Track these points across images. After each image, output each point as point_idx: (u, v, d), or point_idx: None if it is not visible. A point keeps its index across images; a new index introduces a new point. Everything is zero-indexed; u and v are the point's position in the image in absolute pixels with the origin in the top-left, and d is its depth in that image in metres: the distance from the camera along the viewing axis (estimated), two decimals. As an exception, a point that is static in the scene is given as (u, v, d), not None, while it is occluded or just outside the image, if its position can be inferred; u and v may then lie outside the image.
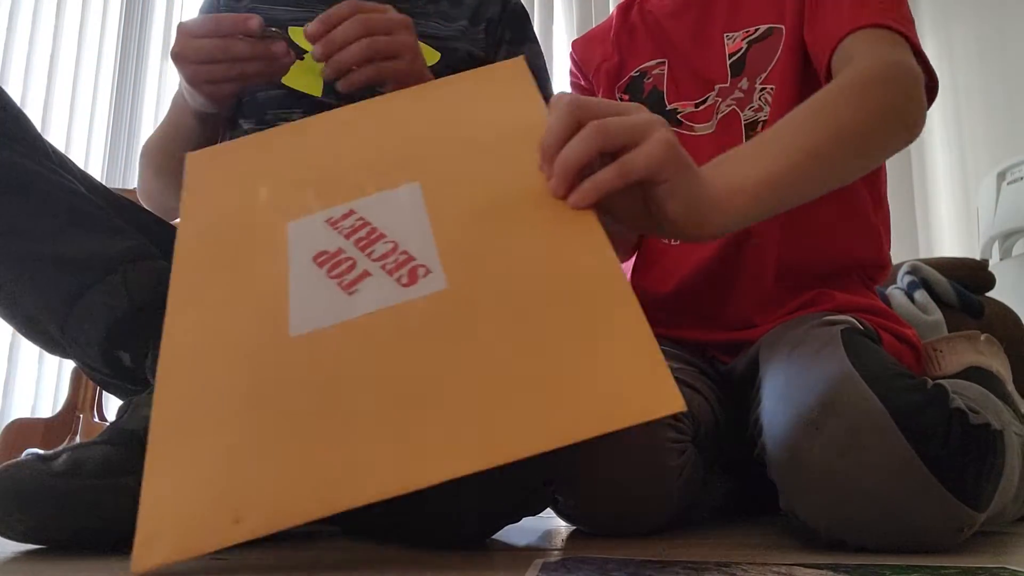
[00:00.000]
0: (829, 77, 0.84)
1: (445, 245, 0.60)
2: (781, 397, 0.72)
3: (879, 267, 0.98)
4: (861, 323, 0.83)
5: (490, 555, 0.64)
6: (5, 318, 0.77)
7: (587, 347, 0.52)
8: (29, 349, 2.67)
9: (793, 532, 0.79)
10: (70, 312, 0.72)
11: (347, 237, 0.62)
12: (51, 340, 0.76)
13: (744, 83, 0.96)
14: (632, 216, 0.61)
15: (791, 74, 0.93)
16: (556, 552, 0.68)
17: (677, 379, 0.76)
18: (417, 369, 0.54)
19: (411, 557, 0.62)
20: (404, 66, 0.85)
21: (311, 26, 0.84)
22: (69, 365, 2.34)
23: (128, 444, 0.63)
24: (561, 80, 3.25)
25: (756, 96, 0.95)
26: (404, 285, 0.58)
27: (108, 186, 0.85)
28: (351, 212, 0.65)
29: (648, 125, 0.57)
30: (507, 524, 0.69)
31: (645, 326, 0.53)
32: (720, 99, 0.97)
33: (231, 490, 0.50)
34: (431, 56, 0.97)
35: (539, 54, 1.07)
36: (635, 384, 0.51)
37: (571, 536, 0.80)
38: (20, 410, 2.58)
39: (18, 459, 0.62)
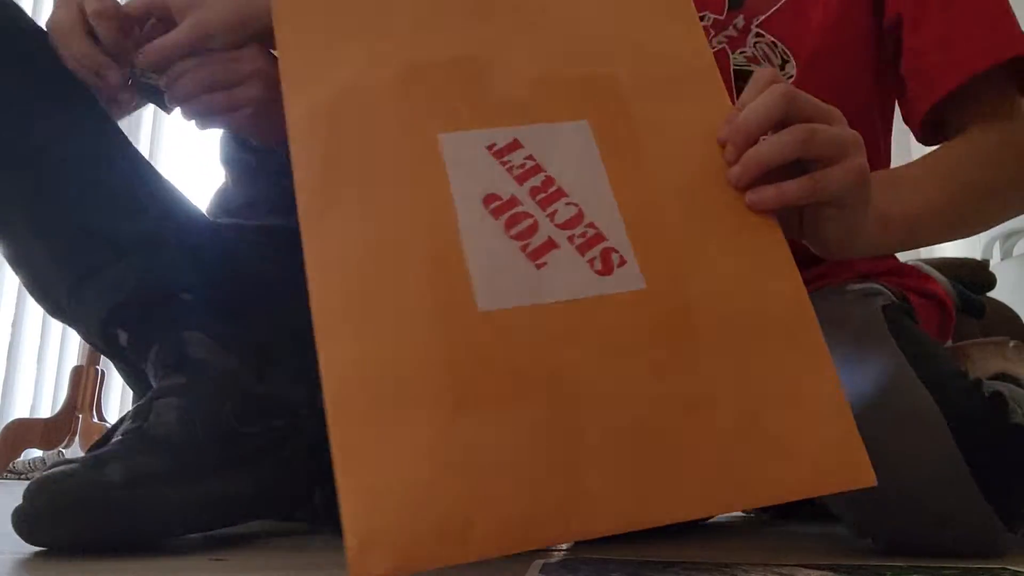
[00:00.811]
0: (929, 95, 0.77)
1: (632, 224, 0.51)
2: None
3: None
4: (890, 290, 0.78)
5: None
6: (20, 276, 0.76)
7: (784, 396, 0.48)
8: (29, 349, 2.67)
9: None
10: (80, 285, 0.72)
11: (519, 182, 0.51)
12: (58, 307, 0.75)
13: (740, 21, 0.83)
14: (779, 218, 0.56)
15: (810, 37, 0.81)
16: (556, 552, 0.68)
17: None
18: (631, 389, 0.47)
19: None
20: (255, 93, 0.74)
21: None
22: (68, 365, 2.34)
23: (162, 451, 0.63)
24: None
25: (750, 41, 0.83)
26: (599, 273, 0.49)
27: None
28: (516, 143, 0.52)
29: (850, 145, 0.54)
30: None
31: (836, 381, 0.49)
32: (712, 31, 0.84)
33: (450, 496, 0.43)
34: None
35: None
36: (828, 451, 0.47)
37: (571, 536, 0.80)
38: (19, 410, 2.58)
39: (58, 468, 0.61)
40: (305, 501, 0.77)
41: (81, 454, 2.27)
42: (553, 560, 0.58)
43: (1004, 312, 1.73)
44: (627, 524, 0.44)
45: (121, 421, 0.70)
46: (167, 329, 0.72)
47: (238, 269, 0.81)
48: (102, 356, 2.15)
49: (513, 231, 0.50)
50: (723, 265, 0.51)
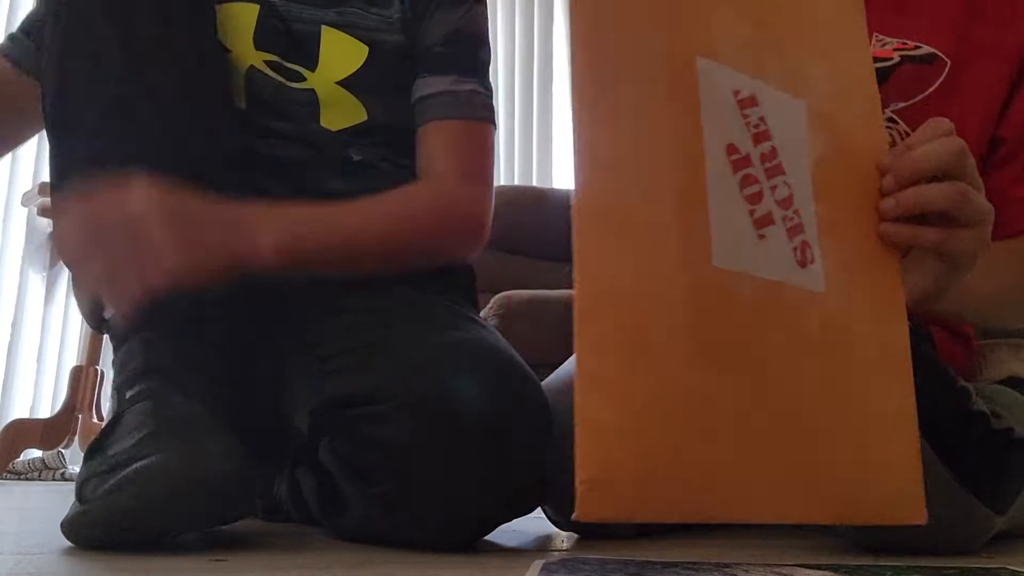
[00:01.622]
0: None
1: (820, 224, 0.52)
2: None
3: None
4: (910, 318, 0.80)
5: (490, 556, 0.64)
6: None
7: (886, 430, 0.51)
8: (28, 349, 2.67)
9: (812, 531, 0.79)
10: None
11: (754, 142, 0.51)
12: None
13: None
14: None
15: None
16: (556, 552, 0.68)
17: None
18: (800, 387, 0.49)
19: (410, 558, 0.62)
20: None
21: None
22: (68, 366, 2.34)
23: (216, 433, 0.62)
24: (563, 85, 3.26)
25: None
26: (798, 263, 0.51)
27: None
28: (754, 99, 0.52)
29: (987, 215, 0.58)
30: (502, 523, 0.69)
31: (915, 428, 0.52)
32: None
33: (670, 454, 0.43)
34: (358, 53, 0.83)
35: (481, 16, 0.87)
36: (897, 486, 0.51)
37: (571, 537, 0.80)
38: (19, 410, 2.58)
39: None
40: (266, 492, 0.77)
41: (81, 454, 2.26)
42: (554, 560, 0.58)
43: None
44: (772, 517, 0.48)
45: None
46: (140, 329, 0.69)
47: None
48: (102, 356, 2.15)
49: (746, 192, 0.50)
50: (863, 287, 0.53)
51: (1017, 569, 0.56)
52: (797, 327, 0.50)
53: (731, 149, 0.50)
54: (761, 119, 0.51)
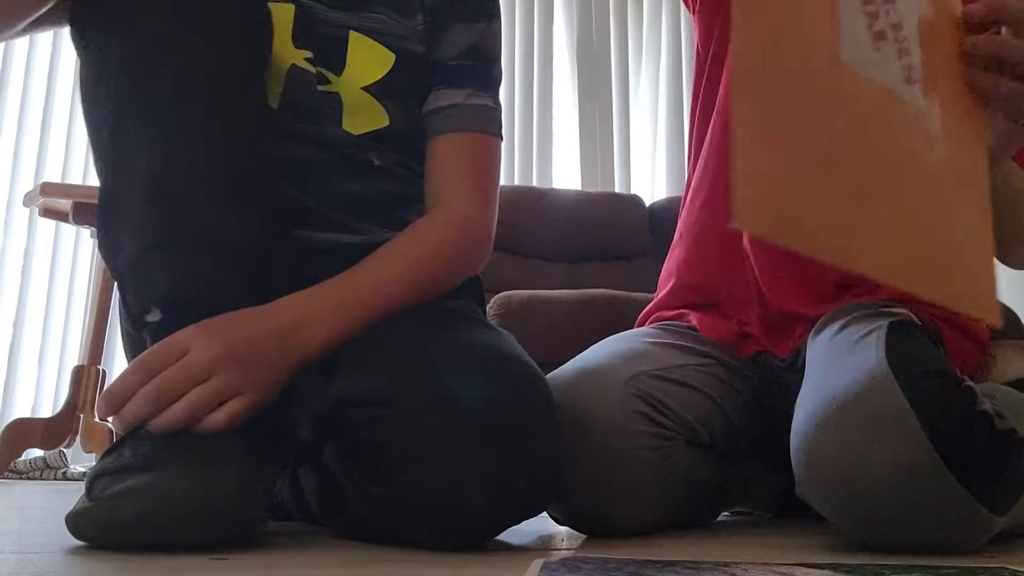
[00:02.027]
0: None
1: (923, 53, 0.63)
2: (813, 385, 0.72)
3: None
4: (920, 316, 0.81)
5: (490, 555, 0.64)
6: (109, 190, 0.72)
7: (965, 237, 0.63)
8: (30, 349, 2.67)
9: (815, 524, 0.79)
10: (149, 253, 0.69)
11: None
12: (110, 249, 0.72)
13: None
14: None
15: None
16: (556, 552, 0.68)
17: (674, 380, 0.76)
18: (918, 185, 0.61)
19: (410, 557, 0.62)
20: (249, 401, 0.66)
21: (102, 407, 0.67)
22: (69, 365, 2.34)
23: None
24: (563, 85, 3.25)
25: None
26: (905, 80, 0.61)
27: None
28: None
29: None
30: (509, 526, 0.69)
31: (991, 243, 0.65)
32: None
33: (810, 201, 0.54)
34: (384, 60, 0.84)
35: (496, 33, 0.90)
36: (978, 285, 0.63)
37: (571, 536, 0.80)
38: (21, 410, 2.59)
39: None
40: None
41: (82, 454, 2.25)
42: (554, 559, 0.59)
43: (1004, 313, 1.73)
44: (880, 274, 0.58)
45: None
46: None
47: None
48: (103, 355, 2.16)
49: (868, 7, 0.60)
50: (955, 119, 0.64)
51: (1017, 569, 0.56)
52: (907, 133, 0.61)
53: None
54: None
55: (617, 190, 3.09)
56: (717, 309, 0.94)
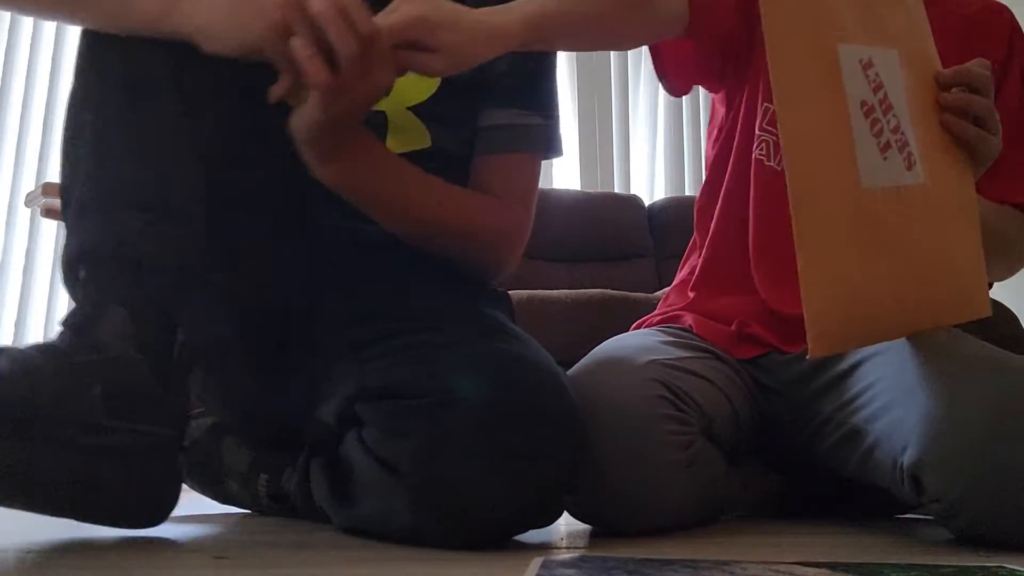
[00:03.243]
0: None
1: (917, 135, 0.78)
2: (921, 377, 0.75)
3: None
4: None
5: (490, 555, 0.65)
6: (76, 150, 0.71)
7: (963, 260, 0.80)
8: (31, 349, 2.67)
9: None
10: (92, 207, 0.68)
11: (874, 92, 0.76)
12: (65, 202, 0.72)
13: None
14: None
15: None
16: (557, 551, 0.68)
17: (687, 369, 0.84)
18: (927, 243, 0.78)
19: (410, 557, 0.62)
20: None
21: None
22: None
23: None
24: (563, 85, 3.26)
25: None
26: (907, 168, 0.77)
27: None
28: (871, 63, 0.77)
29: (999, 132, 0.82)
30: (521, 531, 0.69)
31: (981, 255, 0.81)
32: None
33: (865, 304, 0.74)
34: (430, 83, 0.84)
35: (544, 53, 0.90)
36: (975, 294, 0.81)
37: (571, 536, 0.81)
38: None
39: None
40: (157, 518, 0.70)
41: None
42: (553, 558, 0.59)
43: (1003, 312, 1.73)
44: (925, 325, 0.79)
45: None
46: (107, 291, 0.65)
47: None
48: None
49: (874, 130, 0.76)
50: (945, 171, 0.80)
51: (1016, 568, 0.57)
52: (912, 207, 0.77)
53: (863, 104, 0.75)
54: (877, 75, 0.76)
55: (617, 190, 3.09)
56: (716, 317, 0.95)
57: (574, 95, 3.23)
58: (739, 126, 0.99)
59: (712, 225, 1.00)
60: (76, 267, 0.67)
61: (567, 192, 2.88)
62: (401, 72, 0.70)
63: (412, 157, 0.82)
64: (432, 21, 0.68)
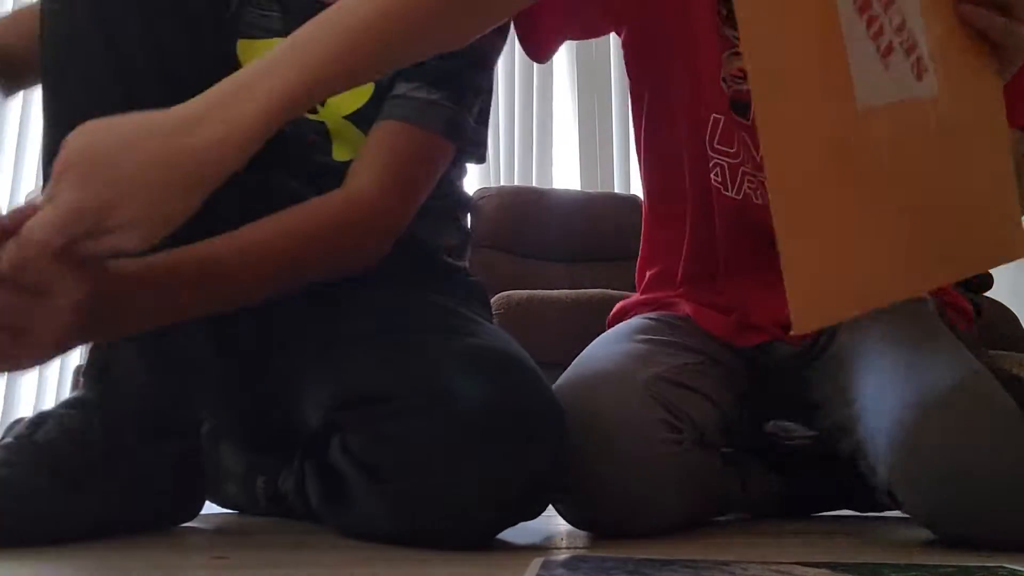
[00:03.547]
0: None
1: (927, 34, 0.63)
2: (894, 376, 0.73)
3: None
4: (934, 301, 0.84)
5: (490, 555, 0.65)
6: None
7: (989, 193, 0.65)
8: (31, 349, 2.67)
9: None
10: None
11: None
12: None
13: None
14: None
15: None
16: (556, 551, 0.68)
17: (682, 383, 0.81)
18: (942, 173, 0.63)
19: (410, 557, 0.62)
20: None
21: None
22: (71, 365, 2.34)
23: (45, 465, 0.65)
24: (563, 85, 3.25)
25: None
26: (916, 78, 0.61)
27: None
28: None
29: None
30: (510, 525, 0.70)
31: (1013, 182, 0.66)
32: None
33: (854, 265, 0.57)
34: (363, 90, 0.81)
35: (482, 39, 0.79)
36: (1005, 233, 0.66)
37: (571, 536, 0.81)
38: (23, 409, 2.59)
39: None
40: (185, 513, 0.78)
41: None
42: (553, 558, 0.59)
43: (1003, 313, 1.74)
44: (927, 285, 0.66)
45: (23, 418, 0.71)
46: None
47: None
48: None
49: (871, 31, 0.59)
50: (964, 79, 0.65)
51: (1016, 568, 0.57)
52: (922, 130, 0.62)
53: (859, 1, 0.59)
54: None
55: (617, 190, 3.09)
56: (714, 306, 0.93)
57: (574, 95, 3.23)
58: (676, 121, 0.90)
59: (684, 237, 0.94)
60: None
61: (567, 192, 2.88)
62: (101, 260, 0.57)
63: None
64: (91, 204, 0.52)
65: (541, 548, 0.70)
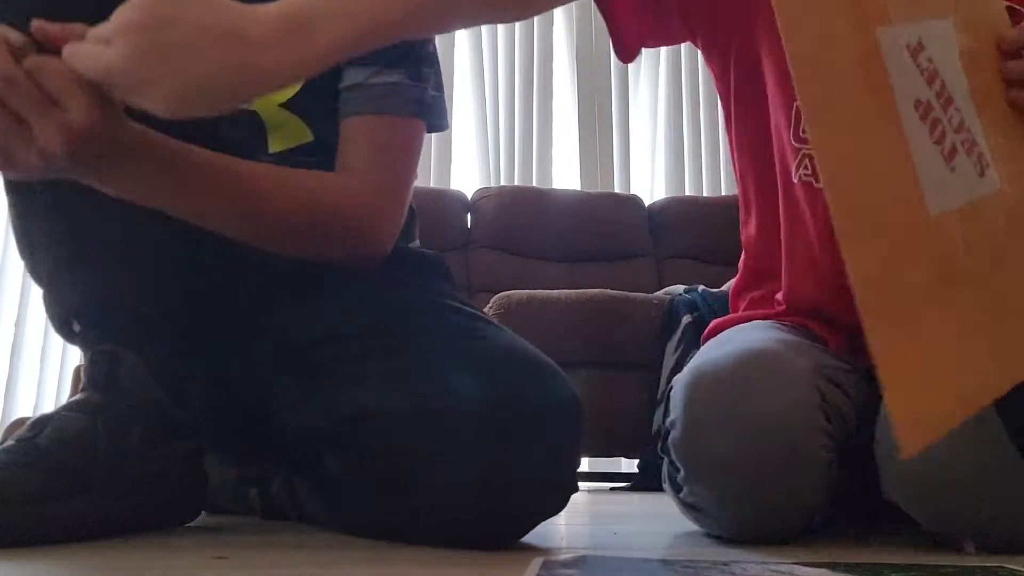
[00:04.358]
0: None
1: (982, 126, 0.61)
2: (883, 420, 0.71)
3: None
4: None
5: (490, 555, 0.65)
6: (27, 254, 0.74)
7: None
8: (31, 349, 2.67)
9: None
10: (69, 268, 0.72)
11: (928, 85, 0.58)
12: (36, 272, 0.75)
13: None
14: None
15: None
16: (557, 551, 0.68)
17: (827, 376, 0.75)
18: (1015, 266, 0.60)
19: (410, 557, 0.62)
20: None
21: None
22: (71, 364, 2.35)
23: (43, 467, 0.64)
24: (563, 85, 3.25)
25: None
26: (979, 175, 0.60)
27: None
28: (921, 44, 0.58)
29: None
30: (537, 524, 0.70)
31: None
32: None
33: (950, 375, 0.55)
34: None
35: None
36: None
37: (571, 536, 0.81)
38: (23, 409, 2.59)
39: None
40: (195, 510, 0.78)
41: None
42: (553, 558, 0.59)
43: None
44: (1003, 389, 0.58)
45: (25, 421, 0.72)
46: (109, 339, 0.71)
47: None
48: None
49: (934, 136, 0.57)
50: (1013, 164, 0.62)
51: (1016, 568, 0.57)
52: (991, 225, 0.60)
53: (917, 104, 0.57)
54: (929, 60, 0.58)
55: (617, 190, 3.10)
56: (829, 323, 0.85)
57: (574, 95, 3.23)
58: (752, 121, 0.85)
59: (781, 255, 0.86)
60: (69, 320, 0.73)
61: (567, 192, 2.89)
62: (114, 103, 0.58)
63: (297, 152, 0.79)
64: (140, 74, 0.54)
65: (541, 548, 0.70)
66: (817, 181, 0.79)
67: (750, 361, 0.72)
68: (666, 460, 0.78)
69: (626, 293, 2.07)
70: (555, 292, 2.04)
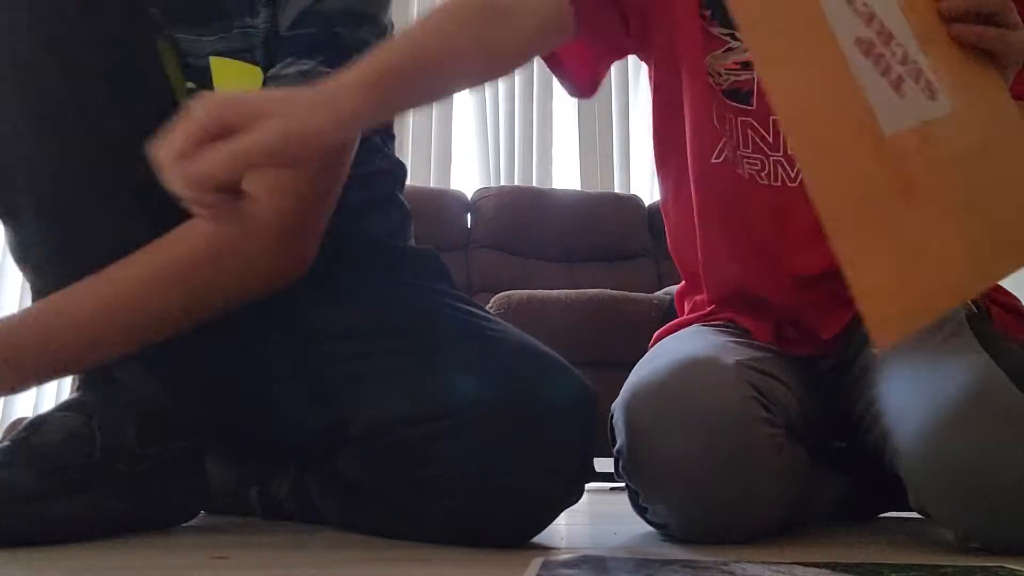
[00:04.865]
0: None
1: (929, 58, 0.67)
2: (911, 389, 0.71)
3: None
4: (973, 301, 0.80)
5: (490, 555, 0.65)
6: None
7: (1016, 193, 0.68)
8: (31, 349, 2.67)
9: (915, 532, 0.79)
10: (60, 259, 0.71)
11: (866, 24, 0.65)
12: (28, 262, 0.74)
13: None
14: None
15: None
16: (557, 551, 0.68)
17: (762, 370, 0.76)
18: (974, 179, 0.67)
19: (411, 557, 0.63)
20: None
21: None
22: (71, 365, 2.33)
23: (38, 467, 0.65)
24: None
25: None
26: (928, 99, 0.66)
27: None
28: None
29: (1021, 25, 0.70)
30: (562, 511, 0.71)
31: None
32: None
33: (917, 276, 0.62)
34: (253, 75, 0.76)
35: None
36: None
37: (571, 536, 0.81)
38: (22, 409, 2.59)
39: None
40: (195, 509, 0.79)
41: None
42: (554, 557, 0.59)
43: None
44: (984, 283, 0.69)
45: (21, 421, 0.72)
46: None
47: None
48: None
49: (880, 67, 0.65)
50: (972, 88, 0.69)
51: (1016, 568, 0.57)
52: (946, 142, 0.66)
53: (859, 42, 0.64)
54: (865, 4, 0.65)
55: (617, 190, 3.09)
56: (758, 313, 0.88)
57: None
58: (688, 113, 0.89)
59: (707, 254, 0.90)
60: None
61: (567, 192, 2.88)
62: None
63: None
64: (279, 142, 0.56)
65: (541, 548, 0.70)
66: (739, 167, 0.83)
67: (679, 370, 0.74)
68: (627, 486, 0.79)
69: (626, 293, 2.07)
70: (555, 292, 2.04)
